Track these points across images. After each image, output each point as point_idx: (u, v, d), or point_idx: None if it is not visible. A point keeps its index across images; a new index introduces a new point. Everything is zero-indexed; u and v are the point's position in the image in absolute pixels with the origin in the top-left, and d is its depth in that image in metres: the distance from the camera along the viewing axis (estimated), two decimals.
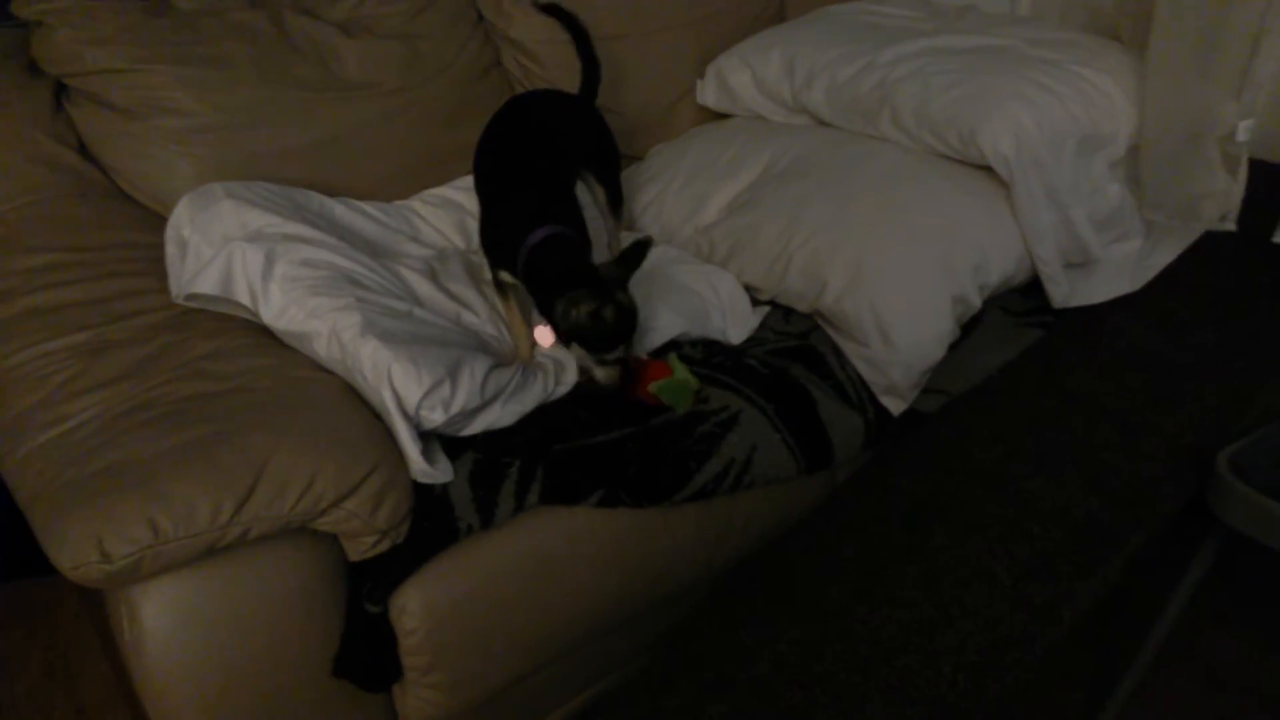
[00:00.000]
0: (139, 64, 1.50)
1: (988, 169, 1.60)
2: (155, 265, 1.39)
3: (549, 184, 1.45)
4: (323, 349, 1.25)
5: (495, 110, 1.59)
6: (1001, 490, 1.41)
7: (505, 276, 1.42)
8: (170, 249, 1.39)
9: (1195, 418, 1.46)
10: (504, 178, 1.47)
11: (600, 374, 1.34)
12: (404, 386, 1.19)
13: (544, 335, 1.44)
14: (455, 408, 1.22)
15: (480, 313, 1.49)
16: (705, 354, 1.53)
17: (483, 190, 1.51)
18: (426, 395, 1.19)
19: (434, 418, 1.21)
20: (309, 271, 1.29)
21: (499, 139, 1.54)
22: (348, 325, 1.22)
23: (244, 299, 1.29)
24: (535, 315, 1.45)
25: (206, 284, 1.30)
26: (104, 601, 1.12)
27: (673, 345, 1.52)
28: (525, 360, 1.43)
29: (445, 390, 1.21)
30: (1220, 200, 1.65)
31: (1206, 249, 1.73)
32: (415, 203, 1.72)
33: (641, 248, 1.33)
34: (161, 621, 1.03)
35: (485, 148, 1.55)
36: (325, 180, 1.61)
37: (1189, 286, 1.69)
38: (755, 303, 1.65)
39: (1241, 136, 1.57)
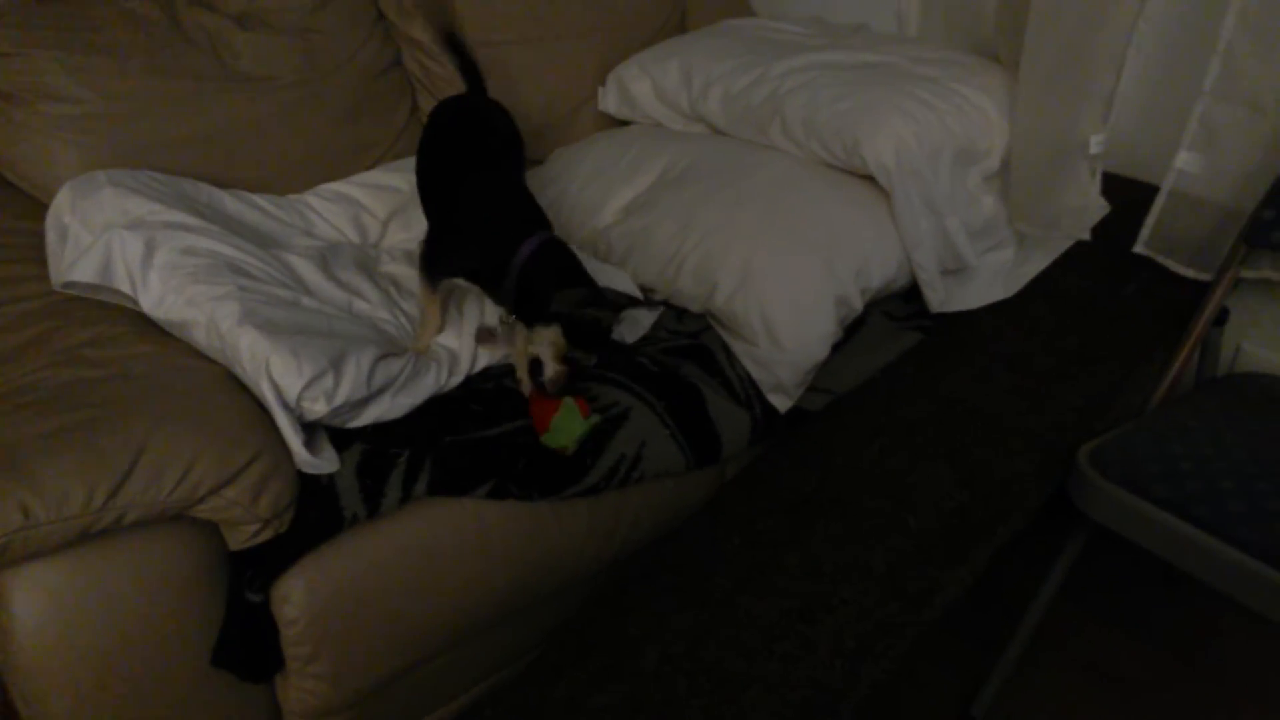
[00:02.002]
0: (22, 48, 1.46)
1: (871, 178, 1.66)
2: (36, 252, 1.36)
3: (521, 189, 1.49)
4: (202, 338, 1.23)
5: (415, 111, 1.62)
6: (880, 485, 1.46)
7: (459, 283, 1.44)
8: (51, 236, 1.36)
9: (1060, 417, 1.53)
10: (473, 183, 1.46)
11: (553, 371, 1.33)
12: (283, 378, 1.17)
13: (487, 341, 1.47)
14: (339, 399, 1.21)
15: (372, 299, 1.48)
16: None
17: (447, 196, 1.48)
18: (308, 386, 1.18)
19: (316, 409, 1.20)
20: (189, 259, 1.28)
21: (455, 145, 1.53)
22: (226, 315, 1.21)
23: (124, 287, 1.26)
24: (482, 318, 1.49)
25: (85, 272, 1.27)
26: None
27: None
28: (422, 352, 1.43)
29: (328, 381, 1.20)
30: (1079, 213, 1.75)
31: (1074, 259, 1.83)
32: (310, 197, 1.70)
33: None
34: (32, 608, 1.00)
35: (437, 154, 1.54)
36: (216, 172, 1.59)
37: (1056, 294, 1.77)
38: (649, 303, 1.68)
39: (1094, 150, 1.67)
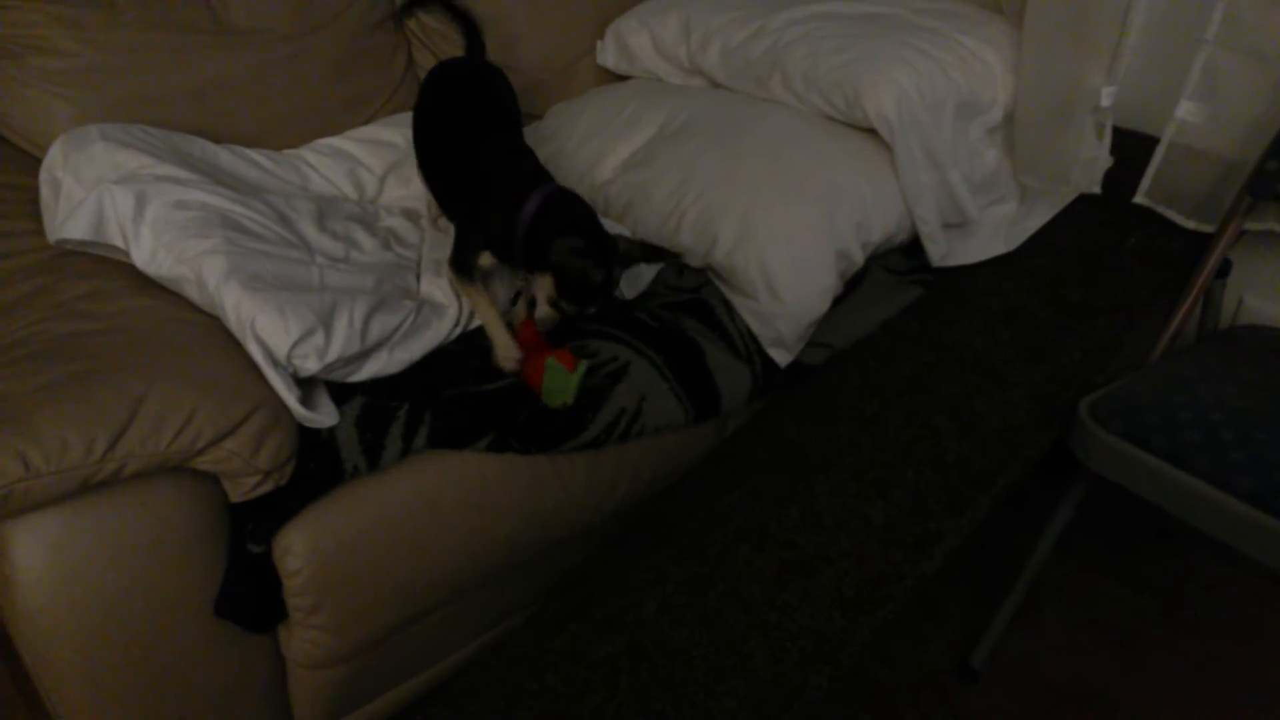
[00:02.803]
0: (14, 1, 1.45)
1: (872, 131, 1.65)
2: (29, 207, 1.35)
3: (525, 151, 1.47)
4: (194, 293, 1.22)
5: (412, 65, 1.61)
6: (880, 438, 1.47)
7: (485, 260, 1.37)
8: (44, 191, 1.35)
9: (1060, 369, 1.54)
10: (477, 149, 1.44)
11: (543, 312, 1.33)
12: (271, 337, 1.16)
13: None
14: (331, 355, 1.20)
15: (368, 250, 1.47)
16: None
17: (449, 167, 1.46)
18: (297, 344, 1.16)
19: (308, 366, 1.18)
20: (180, 213, 1.26)
21: (453, 110, 1.52)
22: (212, 271, 1.19)
23: (117, 242, 1.25)
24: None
25: (77, 228, 1.26)
26: None
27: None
28: (513, 369, 1.35)
29: (319, 338, 1.19)
30: (1089, 166, 1.73)
31: (1074, 211, 1.82)
32: (306, 152, 1.69)
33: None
34: (34, 559, 1.00)
35: (436, 121, 1.52)
36: (210, 126, 1.58)
37: (1057, 247, 1.77)
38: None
39: (1105, 103, 1.65)
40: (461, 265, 1.38)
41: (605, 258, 1.32)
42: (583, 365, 1.32)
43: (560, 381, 1.31)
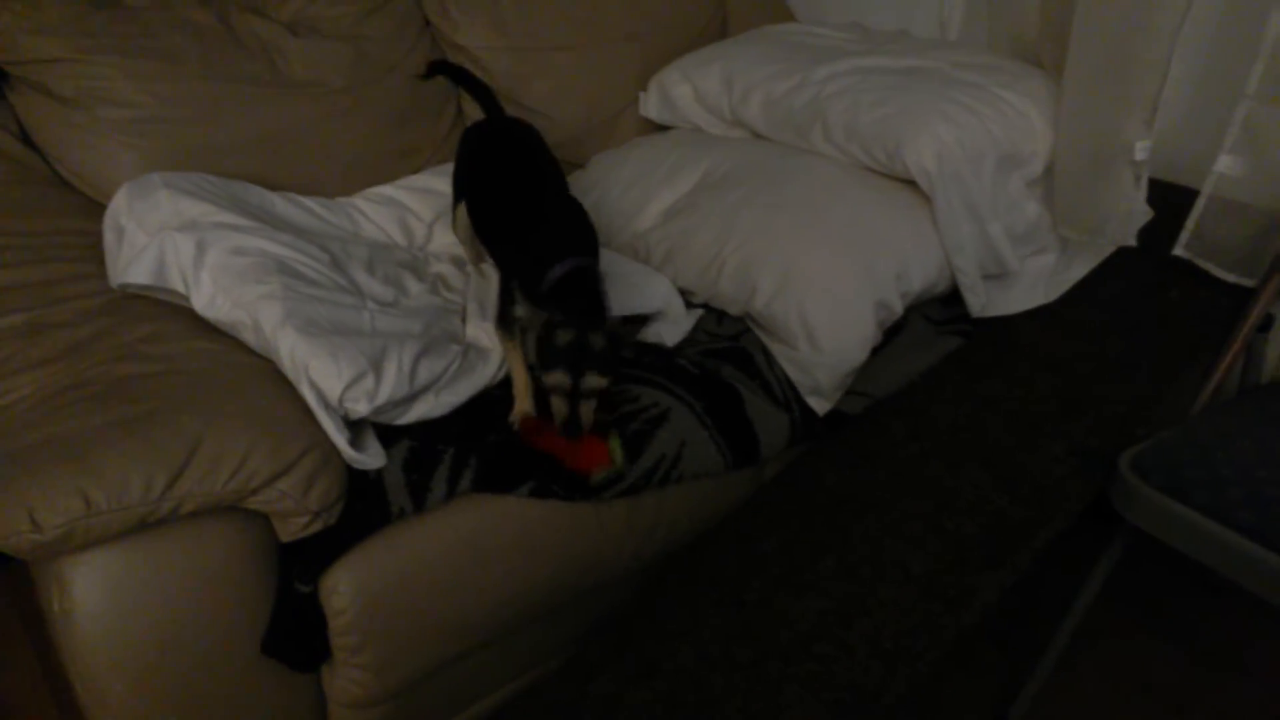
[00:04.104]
0: (83, 54, 1.51)
1: (912, 183, 1.67)
2: (94, 251, 1.40)
3: (569, 208, 1.47)
4: (251, 338, 1.27)
5: (460, 116, 1.65)
6: (918, 488, 1.46)
7: (519, 311, 1.36)
8: (108, 236, 1.40)
9: (1101, 422, 1.53)
10: (520, 205, 1.46)
11: (582, 412, 1.29)
12: (323, 380, 1.19)
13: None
14: (381, 398, 1.23)
15: (416, 295, 1.51)
16: (638, 354, 1.57)
17: (495, 226, 1.49)
18: (349, 388, 1.20)
19: (359, 409, 1.22)
20: (238, 259, 1.31)
21: (494, 173, 1.54)
22: (268, 316, 1.23)
23: (178, 287, 1.30)
24: None
25: (140, 273, 1.31)
26: (33, 578, 1.12)
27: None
28: (522, 416, 1.37)
29: (369, 382, 1.22)
30: (1125, 219, 1.74)
31: (1115, 263, 1.82)
32: (358, 200, 1.74)
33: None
34: (92, 594, 1.03)
35: (480, 184, 1.55)
36: (268, 175, 1.63)
37: (1097, 298, 1.77)
38: (689, 305, 1.69)
39: (1139, 156, 1.66)
40: (502, 318, 1.41)
41: (585, 325, 1.26)
42: (615, 441, 1.35)
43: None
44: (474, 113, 1.95)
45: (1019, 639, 1.71)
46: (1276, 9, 1.54)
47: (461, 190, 1.61)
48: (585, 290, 1.32)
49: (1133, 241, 1.78)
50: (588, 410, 1.28)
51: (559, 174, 1.58)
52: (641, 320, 1.35)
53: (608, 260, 1.69)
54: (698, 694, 1.22)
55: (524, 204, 1.46)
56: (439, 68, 1.87)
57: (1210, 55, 1.78)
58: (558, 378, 1.26)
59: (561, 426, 1.28)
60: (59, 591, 1.03)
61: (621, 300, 1.55)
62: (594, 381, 1.26)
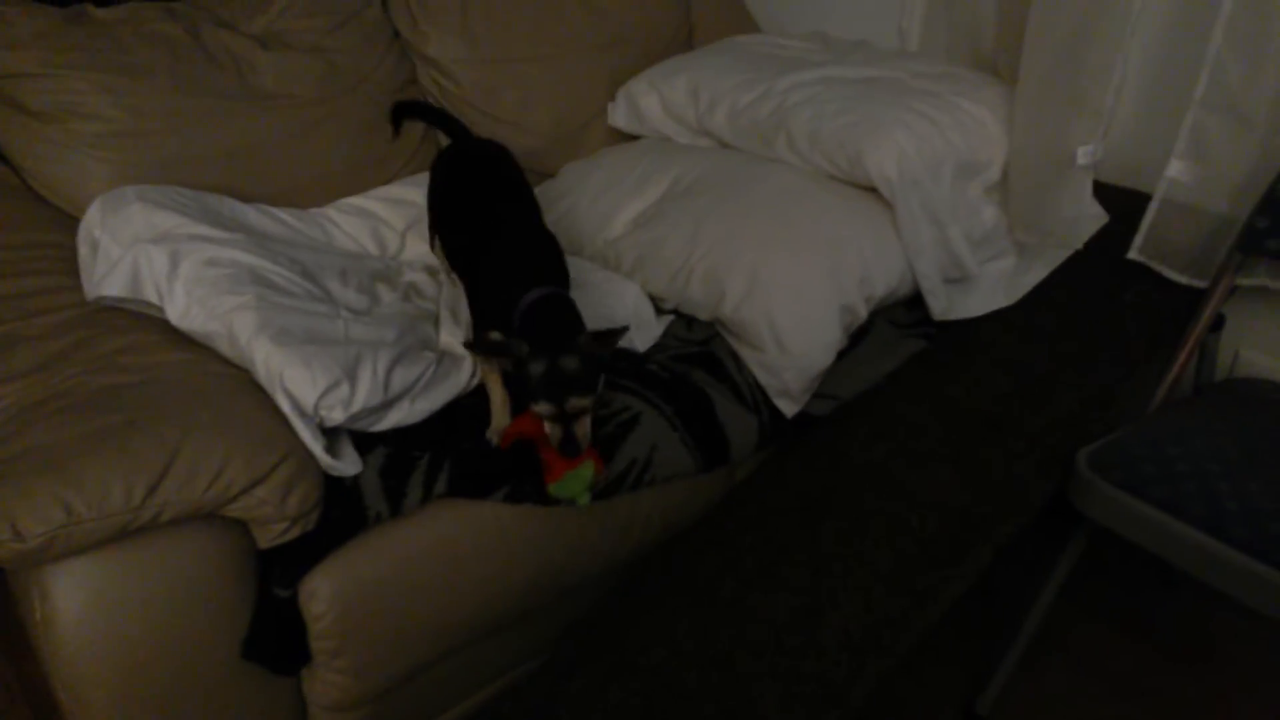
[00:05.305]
0: (54, 69, 1.52)
1: (874, 190, 1.71)
2: (69, 265, 1.41)
3: (539, 237, 1.46)
4: (226, 348, 1.28)
5: (431, 128, 1.64)
6: (885, 486, 1.50)
7: (495, 336, 1.34)
8: (82, 250, 1.41)
9: (1059, 420, 1.57)
10: (492, 235, 1.44)
11: (574, 433, 1.28)
12: (298, 389, 1.21)
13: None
14: (356, 406, 1.25)
15: (389, 304, 1.53)
16: (610, 359, 1.60)
17: (467, 252, 1.47)
18: (323, 396, 1.22)
19: (334, 417, 1.24)
20: (212, 271, 1.32)
21: (467, 197, 1.53)
22: (243, 327, 1.25)
23: (152, 299, 1.32)
24: None
25: (114, 286, 1.32)
26: (13, 588, 1.13)
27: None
28: (500, 432, 1.38)
29: (344, 390, 1.24)
30: (1076, 223, 1.79)
31: (1073, 267, 1.86)
32: (330, 210, 1.76)
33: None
34: (73, 602, 1.05)
35: (453, 204, 1.55)
36: (240, 187, 1.64)
37: (1056, 301, 1.81)
38: (659, 312, 1.73)
39: (1081, 161, 1.71)
40: (476, 341, 1.39)
41: (554, 352, 1.25)
42: (588, 465, 1.33)
43: (582, 476, 1.33)
44: None
45: (988, 633, 1.75)
46: (1219, 22, 1.59)
47: (434, 220, 1.62)
48: (553, 318, 1.31)
49: (1080, 245, 1.83)
50: (582, 428, 1.28)
51: (529, 197, 1.55)
52: (616, 334, 1.31)
53: (578, 269, 1.72)
54: (673, 691, 1.24)
55: (491, 235, 1.44)
56: (403, 110, 1.88)
57: (1160, 62, 1.84)
58: (542, 408, 1.26)
59: (559, 448, 1.27)
60: (40, 599, 1.05)
61: (593, 308, 1.59)
62: (577, 404, 1.26)
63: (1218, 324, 1.68)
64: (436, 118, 1.88)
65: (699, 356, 1.63)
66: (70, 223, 1.48)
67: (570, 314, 1.32)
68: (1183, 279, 1.77)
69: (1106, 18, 1.66)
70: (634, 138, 2.17)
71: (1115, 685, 1.70)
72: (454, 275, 1.66)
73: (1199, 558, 1.32)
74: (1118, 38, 1.67)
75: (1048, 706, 1.66)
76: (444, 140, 1.87)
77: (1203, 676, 1.72)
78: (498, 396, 1.40)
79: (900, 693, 1.69)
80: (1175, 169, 1.71)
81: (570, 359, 1.24)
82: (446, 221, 1.58)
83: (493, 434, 1.38)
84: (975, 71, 2.01)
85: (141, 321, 1.32)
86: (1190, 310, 1.66)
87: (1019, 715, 1.64)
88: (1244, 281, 1.65)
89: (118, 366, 1.22)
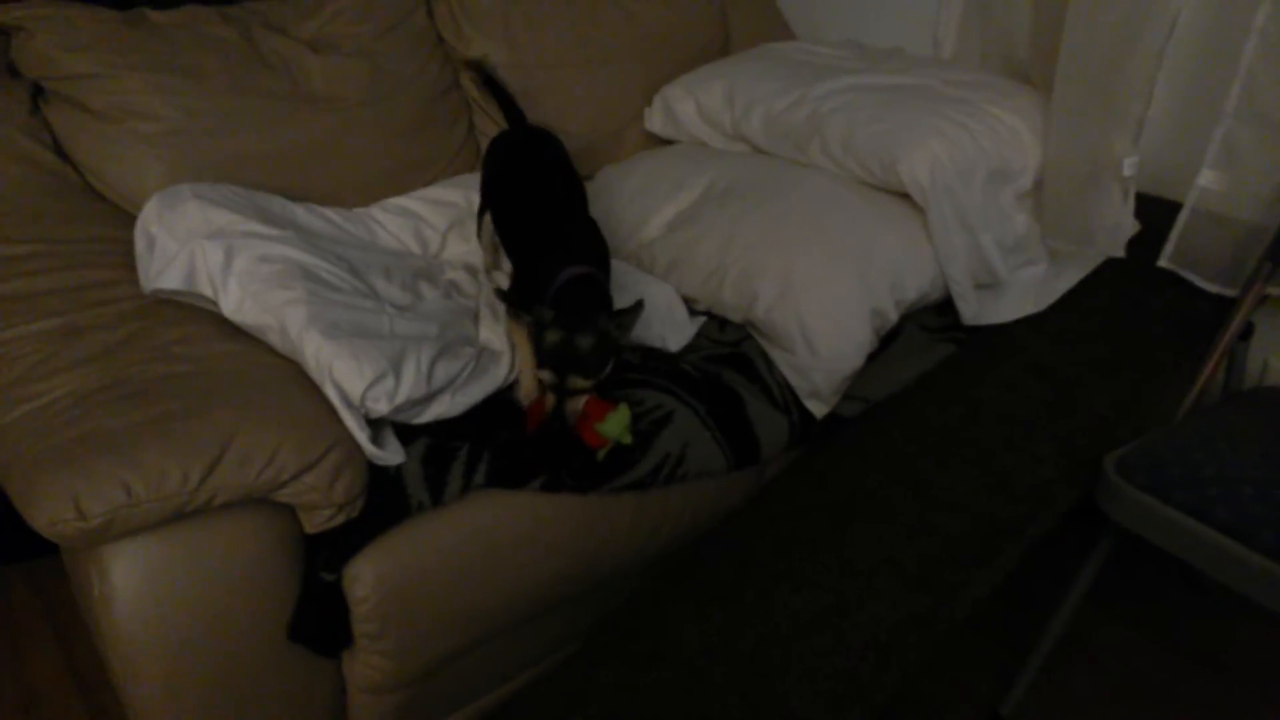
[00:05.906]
0: (114, 70, 1.57)
1: (906, 195, 1.74)
2: (126, 259, 1.46)
3: (581, 220, 1.54)
4: (277, 340, 1.32)
5: (472, 130, 1.70)
6: (912, 487, 1.51)
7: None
8: (139, 244, 1.45)
9: (1087, 424, 1.59)
10: (538, 213, 1.53)
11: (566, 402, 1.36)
12: (346, 380, 1.26)
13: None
14: (400, 398, 1.29)
15: (431, 300, 1.57)
16: (643, 359, 1.63)
17: (516, 230, 1.55)
18: (370, 388, 1.26)
19: (379, 408, 1.28)
20: (265, 266, 1.37)
21: (520, 180, 1.61)
22: (294, 320, 1.30)
23: (206, 292, 1.36)
24: None
25: (171, 279, 1.36)
26: (71, 567, 1.18)
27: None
28: (529, 396, 1.45)
29: (389, 382, 1.28)
30: (1113, 231, 1.81)
31: (1103, 274, 1.88)
32: (375, 210, 1.80)
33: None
34: (130, 580, 1.09)
35: (507, 192, 1.61)
36: (289, 186, 1.69)
37: (1085, 307, 1.83)
38: (692, 313, 1.76)
39: (1127, 172, 1.73)
40: (507, 297, 1.47)
41: (573, 328, 1.31)
42: (623, 409, 1.39)
43: (615, 425, 1.38)
44: (486, 127, 2.02)
45: (1014, 636, 1.76)
46: (1251, 34, 1.60)
47: (487, 198, 1.68)
48: (585, 296, 1.38)
49: (1122, 253, 1.85)
50: (574, 404, 1.35)
51: (576, 183, 1.64)
52: (632, 315, 1.37)
53: (613, 270, 1.76)
54: (700, 682, 1.27)
55: (543, 215, 1.52)
56: (485, 78, 1.95)
57: (1193, 76, 1.85)
58: (545, 375, 1.34)
59: (548, 416, 1.35)
60: (99, 577, 1.09)
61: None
62: (577, 383, 1.33)
63: (1246, 332, 1.69)
64: (503, 98, 1.92)
65: (731, 357, 1.66)
66: (128, 219, 1.52)
67: (600, 294, 1.39)
68: (1212, 287, 1.78)
69: (1149, 27, 1.67)
70: (670, 142, 2.21)
71: (1139, 689, 1.71)
72: (493, 273, 1.71)
73: (1224, 562, 1.33)
74: (1157, 50, 1.68)
75: (1071, 709, 1.67)
76: (482, 144, 1.92)
77: (1226, 682, 1.72)
78: (527, 357, 1.45)
79: (924, 692, 1.71)
80: (1206, 178, 1.73)
81: (585, 338, 1.31)
82: (498, 199, 1.63)
83: (523, 397, 1.43)
84: (1008, 80, 2.03)
85: (195, 314, 1.37)
86: (1219, 318, 1.67)
87: (1042, 717, 1.66)
88: (1274, 291, 1.66)
89: (173, 356, 1.27)
